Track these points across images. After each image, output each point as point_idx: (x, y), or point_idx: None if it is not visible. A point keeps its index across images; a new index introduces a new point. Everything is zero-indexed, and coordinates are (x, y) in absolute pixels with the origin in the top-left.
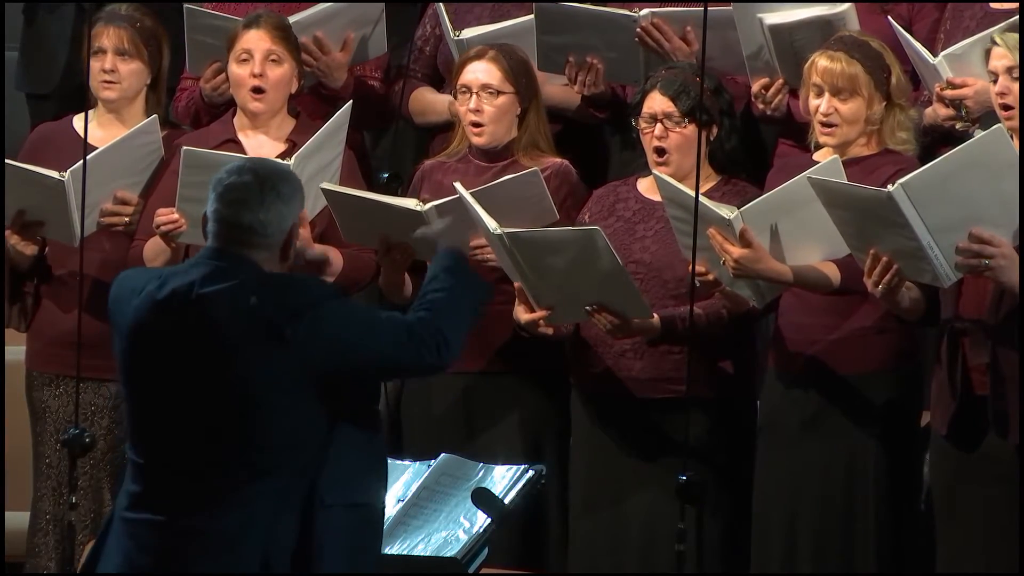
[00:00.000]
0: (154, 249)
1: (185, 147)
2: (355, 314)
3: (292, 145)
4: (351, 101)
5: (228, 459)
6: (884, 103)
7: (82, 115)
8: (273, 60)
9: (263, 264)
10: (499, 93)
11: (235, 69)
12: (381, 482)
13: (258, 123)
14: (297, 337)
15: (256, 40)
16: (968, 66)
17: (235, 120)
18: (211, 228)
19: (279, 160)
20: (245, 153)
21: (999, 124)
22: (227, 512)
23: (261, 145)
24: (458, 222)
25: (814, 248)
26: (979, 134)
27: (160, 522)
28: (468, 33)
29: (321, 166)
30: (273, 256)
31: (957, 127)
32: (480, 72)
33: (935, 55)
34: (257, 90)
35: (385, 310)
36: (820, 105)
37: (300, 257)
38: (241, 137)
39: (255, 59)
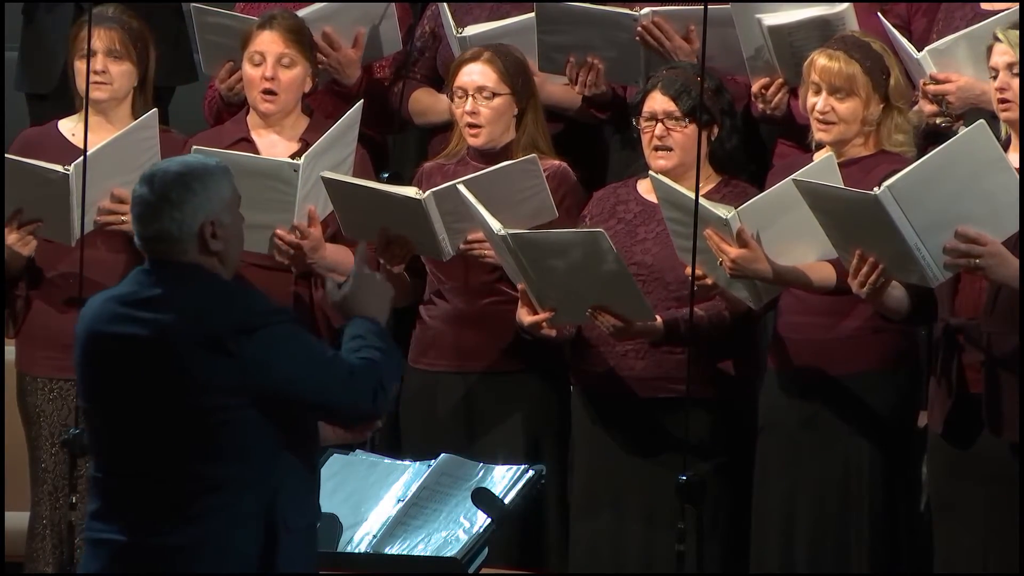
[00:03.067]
0: None
1: (195, 147)
2: (302, 344)
3: (305, 144)
4: (362, 100)
5: (180, 472)
6: (882, 105)
7: (68, 118)
8: (285, 64)
9: (201, 264)
10: (495, 95)
11: (248, 70)
12: (318, 500)
13: (271, 122)
14: (242, 353)
15: (268, 43)
16: (952, 62)
17: (248, 119)
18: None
19: (200, 156)
20: (258, 152)
21: (980, 120)
22: (181, 527)
23: (274, 144)
24: (459, 211)
25: (810, 248)
26: (962, 131)
27: (120, 542)
28: (471, 30)
29: (332, 165)
30: (201, 257)
31: (939, 123)
32: (475, 74)
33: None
34: (268, 92)
35: (330, 348)
36: (818, 103)
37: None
38: (254, 136)
39: (267, 62)
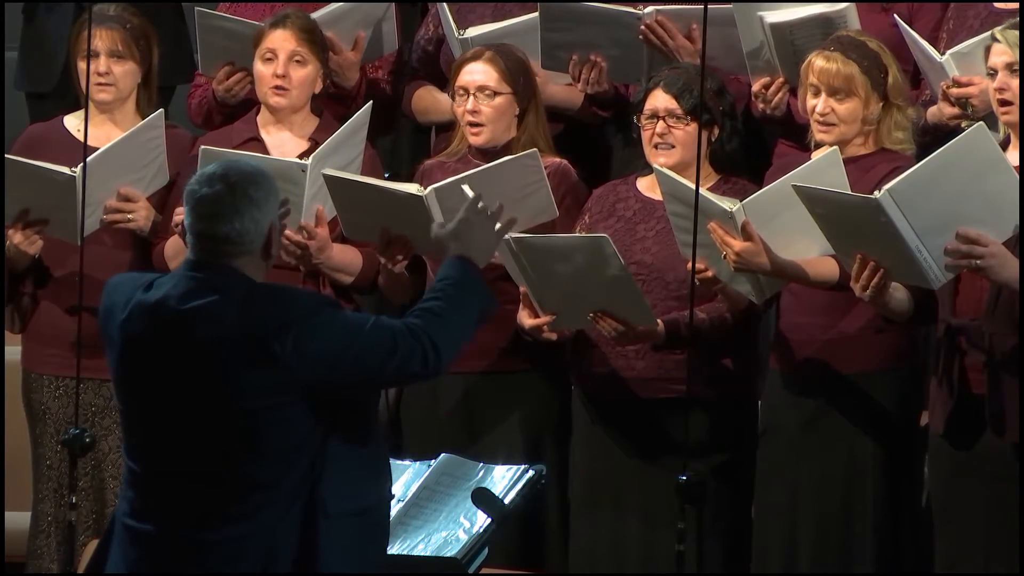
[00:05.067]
0: (174, 248)
1: (203, 147)
2: (341, 326)
3: (314, 144)
4: (371, 102)
5: (224, 472)
6: (881, 103)
7: (73, 115)
8: (297, 61)
9: (245, 269)
10: (496, 94)
11: (259, 67)
12: (382, 481)
13: (281, 121)
14: (285, 352)
15: (281, 40)
16: (974, 64)
17: (258, 118)
18: (189, 240)
19: (249, 159)
20: (268, 151)
21: (980, 122)
22: (225, 525)
23: (284, 143)
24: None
25: (812, 242)
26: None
27: (161, 534)
28: (472, 32)
29: (341, 166)
30: (255, 260)
31: (963, 126)
32: (477, 73)
33: (939, 54)
34: (279, 88)
35: (378, 316)
36: (817, 105)
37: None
38: (264, 135)
39: (279, 60)
